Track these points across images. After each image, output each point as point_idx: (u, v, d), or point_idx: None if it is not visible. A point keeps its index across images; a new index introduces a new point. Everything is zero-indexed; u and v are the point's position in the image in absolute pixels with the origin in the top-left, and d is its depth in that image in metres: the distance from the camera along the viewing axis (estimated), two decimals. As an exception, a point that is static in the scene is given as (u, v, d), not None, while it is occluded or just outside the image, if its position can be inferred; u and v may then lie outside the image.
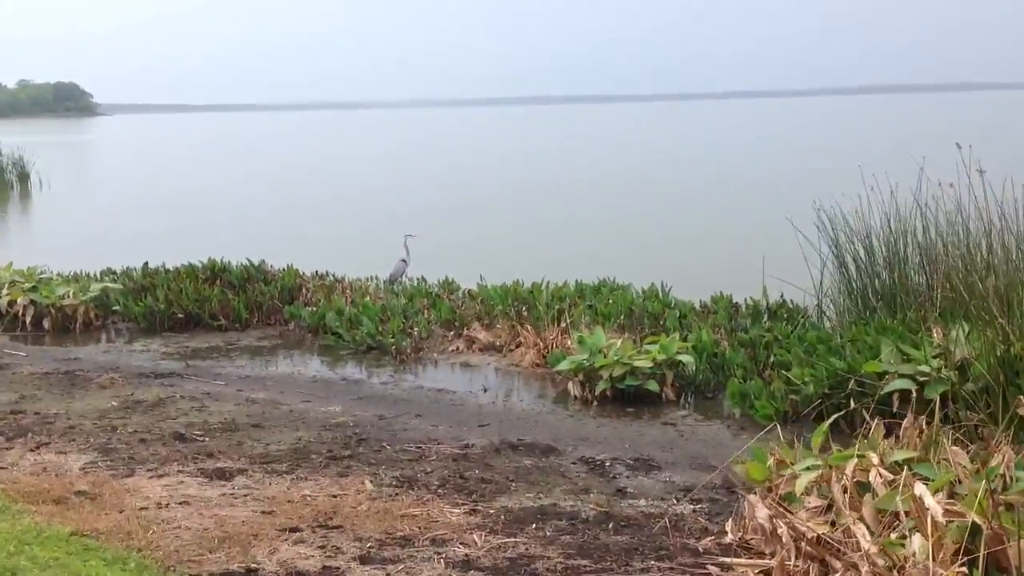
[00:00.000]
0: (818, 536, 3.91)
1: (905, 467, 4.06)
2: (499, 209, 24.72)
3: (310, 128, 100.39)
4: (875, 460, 4.12)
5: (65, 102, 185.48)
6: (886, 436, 4.84)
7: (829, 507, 4.14)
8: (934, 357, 6.47)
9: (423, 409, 7.68)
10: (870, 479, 4.06)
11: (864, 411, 6.19)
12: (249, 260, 11.98)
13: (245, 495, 5.54)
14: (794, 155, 40.26)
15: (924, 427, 4.68)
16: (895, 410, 6.26)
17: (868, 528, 3.74)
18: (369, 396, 8.15)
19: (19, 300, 10.98)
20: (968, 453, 4.31)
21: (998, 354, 5.81)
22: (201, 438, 6.77)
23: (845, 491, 4.05)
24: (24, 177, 31.90)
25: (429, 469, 6.04)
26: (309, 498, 5.49)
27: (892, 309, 8.24)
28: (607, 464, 6.16)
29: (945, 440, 4.34)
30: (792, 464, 4.45)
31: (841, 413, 5.62)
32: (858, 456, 4.21)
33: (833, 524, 4.03)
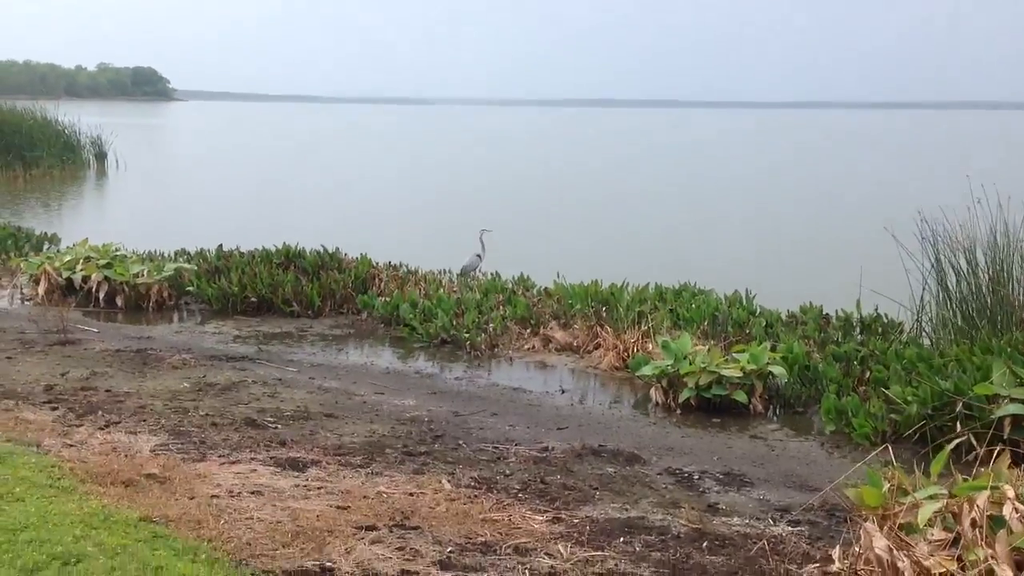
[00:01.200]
0: (946, 573, 3.56)
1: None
2: (576, 210, 24.39)
3: (376, 122, 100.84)
4: (1010, 493, 3.75)
5: (143, 86, 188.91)
6: (1011, 465, 4.45)
7: (955, 541, 3.79)
8: (1051, 382, 6.05)
9: (499, 407, 7.42)
10: (1004, 513, 3.70)
11: (973, 437, 5.77)
12: (324, 247, 11.83)
13: (319, 488, 5.31)
14: (886, 166, 39.36)
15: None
16: (1006, 435, 5.87)
17: (1012, 568, 3.39)
18: (443, 391, 7.91)
19: (93, 276, 10.95)
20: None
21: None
22: (273, 425, 6.59)
23: (975, 525, 3.70)
24: (101, 156, 32.33)
25: (508, 471, 5.78)
26: (385, 495, 5.24)
27: (996, 328, 7.80)
28: (696, 477, 5.84)
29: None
30: (912, 491, 4.09)
31: (958, 438, 5.23)
32: (989, 487, 3.83)
33: (960, 560, 3.68)
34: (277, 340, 9.62)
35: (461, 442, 6.37)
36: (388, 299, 10.42)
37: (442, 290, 10.71)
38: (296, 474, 5.56)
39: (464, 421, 6.95)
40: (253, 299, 10.74)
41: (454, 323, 9.53)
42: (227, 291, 10.77)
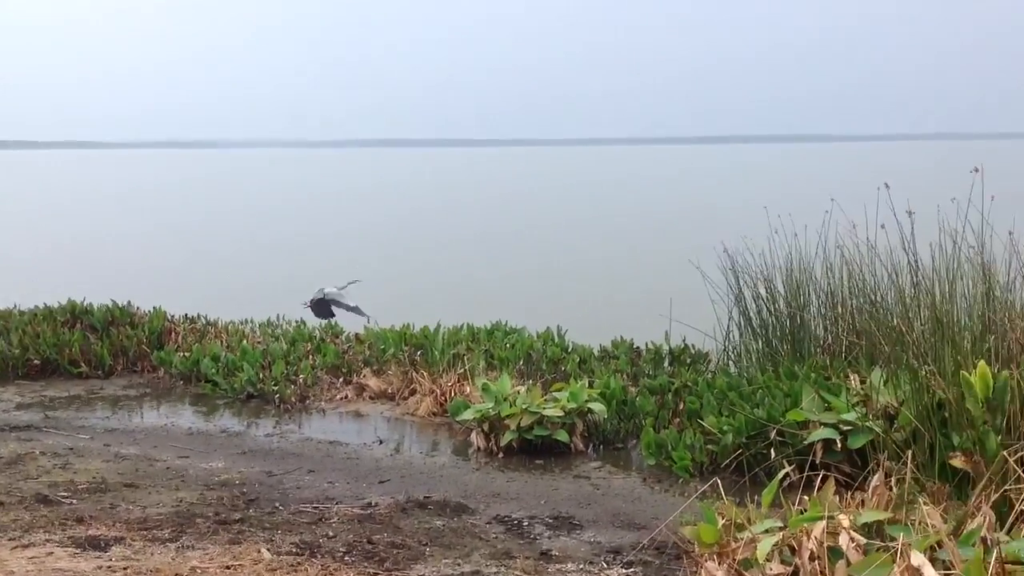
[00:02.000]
0: (790, 608, 3.56)
1: (880, 529, 3.76)
2: (378, 253, 24.13)
3: (157, 168, 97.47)
4: (845, 523, 3.79)
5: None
6: (806, 490, 4.55)
7: (794, 574, 3.80)
8: (854, 405, 6.28)
9: (315, 464, 7.08)
10: (840, 543, 3.73)
11: (787, 463, 5.91)
12: (113, 301, 11.12)
13: (125, 568, 4.86)
14: (696, 200, 40.96)
15: (893, 485, 4.40)
16: (819, 460, 6.03)
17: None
18: (254, 450, 7.49)
19: None
20: (939, 511, 4.04)
21: (925, 402, 5.61)
22: (68, 500, 6.04)
23: (813, 558, 3.72)
24: None
25: (331, 533, 5.48)
26: (199, 570, 4.85)
27: (798, 353, 8.10)
28: (525, 523, 5.71)
29: (921, 500, 4.06)
30: (749, 525, 4.09)
31: (773, 466, 5.32)
32: (825, 517, 3.87)
33: (800, 594, 3.69)
34: (65, 405, 8.92)
35: (278, 505, 6.02)
36: (187, 354, 9.87)
37: (246, 341, 10.24)
38: (98, 554, 5.08)
39: (279, 481, 6.59)
40: (36, 361, 9.94)
41: (261, 376, 9.11)
42: (6, 354, 9.94)
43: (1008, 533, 3.99)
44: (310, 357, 9.63)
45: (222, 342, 10.28)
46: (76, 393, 9.34)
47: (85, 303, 10.97)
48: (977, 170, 6.21)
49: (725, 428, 6.56)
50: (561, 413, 7.18)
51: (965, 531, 3.71)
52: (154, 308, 11.09)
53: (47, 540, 5.28)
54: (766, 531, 4.00)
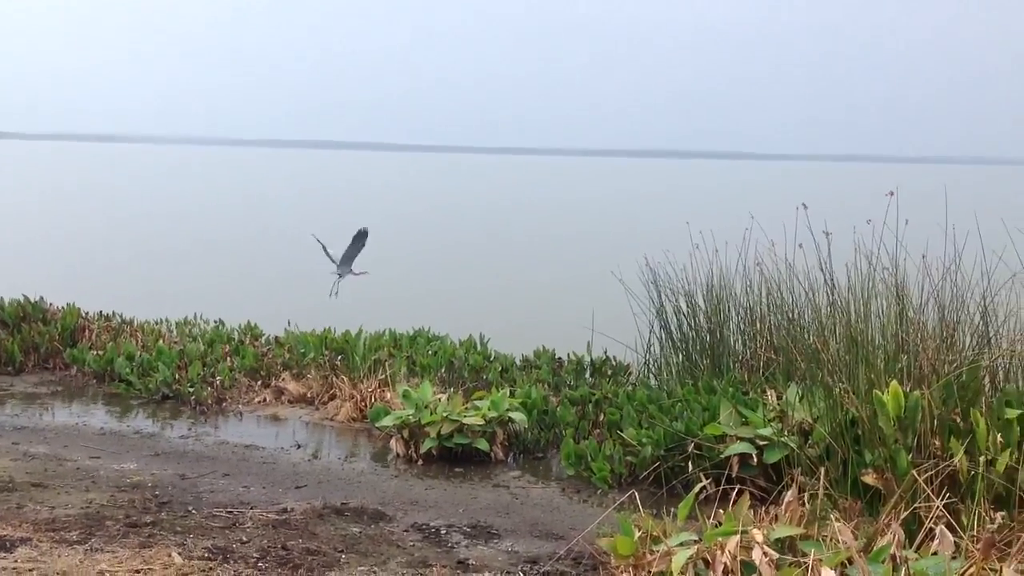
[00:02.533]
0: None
1: (792, 544, 3.82)
2: (302, 253, 23.85)
3: (64, 161, 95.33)
4: (758, 537, 3.85)
5: None
6: (722, 503, 4.62)
7: (708, 587, 3.84)
8: (770, 420, 6.38)
9: (231, 467, 6.97)
10: (753, 558, 3.78)
11: (704, 476, 5.99)
12: (25, 296, 10.82)
13: (31, 570, 4.73)
14: (625, 214, 41.24)
15: (806, 500, 4.47)
16: (735, 474, 6.12)
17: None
18: (168, 452, 7.35)
19: None
20: (850, 527, 4.12)
21: (839, 419, 5.73)
22: (-29, 500, 5.85)
23: (727, 572, 3.76)
24: None
25: (245, 538, 5.39)
26: (108, 574, 4.74)
27: (716, 368, 8.21)
28: (443, 532, 5.68)
29: (833, 516, 4.13)
30: (665, 538, 4.13)
31: (691, 479, 5.38)
32: (739, 532, 3.92)
33: (713, 606, 3.74)
34: (-28, 402, 8.65)
35: (191, 508, 5.91)
36: (101, 352, 9.65)
37: (162, 341, 10.04)
38: (3, 555, 4.92)
39: (193, 484, 6.47)
40: (-57, 356, 9.65)
41: (176, 377, 8.95)
42: (-89, 348, 9.62)
43: (917, 550, 4.09)
44: (228, 359, 9.49)
45: (137, 341, 10.08)
46: (-17, 389, 9.07)
47: (-5, 297, 10.66)
48: (892, 194, 6.37)
49: (644, 440, 6.62)
50: (482, 422, 7.18)
51: (875, 548, 3.79)
52: (67, 304, 10.82)
53: (-51, 541, 5.11)
54: (681, 544, 4.05)
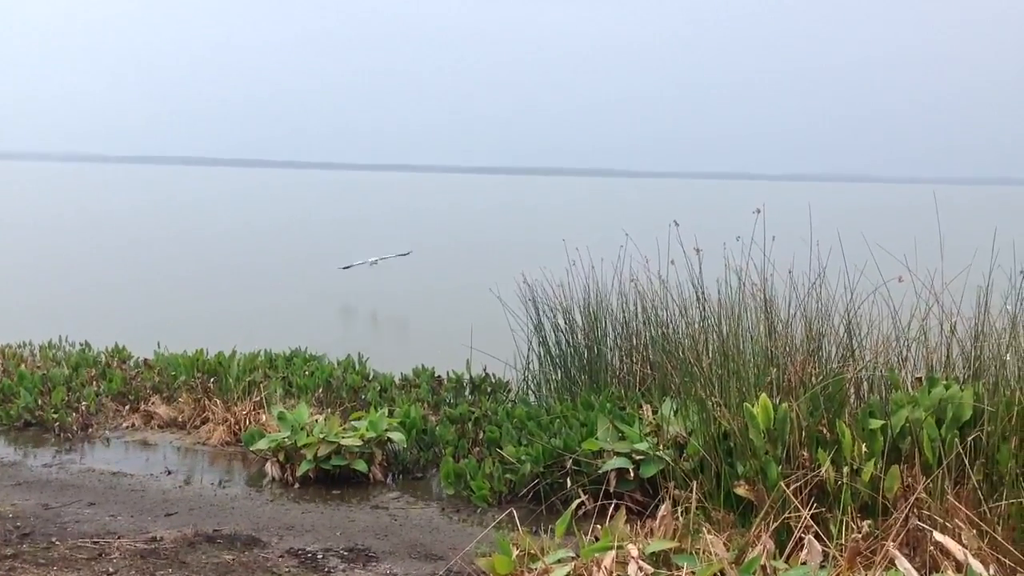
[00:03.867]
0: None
1: (667, 558, 3.86)
2: (169, 271, 23.26)
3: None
4: (634, 552, 3.89)
5: None
6: (600, 518, 4.66)
7: (586, 603, 3.86)
8: (646, 435, 6.47)
9: (97, 496, 6.71)
10: (630, 573, 3.82)
11: (583, 492, 6.04)
12: None
13: None
14: (503, 231, 41.32)
15: (680, 515, 4.53)
16: (612, 489, 6.18)
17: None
18: (30, 481, 7.03)
19: None
20: (722, 540, 4.19)
21: (712, 432, 5.84)
22: None
23: (605, 586, 3.79)
24: None
25: (112, 569, 5.19)
26: (-38, 614, 4.51)
27: (595, 383, 8.29)
28: (319, 556, 5.58)
29: (706, 528, 4.20)
30: (542, 555, 4.13)
31: (569, 495, 5.41)
32: (615, 547, 3.95)
33: (592, 622, 3.75)
34: None
35: (54, 539, 5.66)
36: (-43, 378, 9.19)
37: (23, 366, 9.63)
38: None
39: (57, 514, 6.21)
40: None
41: (39, 402, 8.59)
42: None
43: (787, 560, 4.19)
44: (94, 383, 9.16)
45: (-3, 366, 9.64)
46: None
47: None
48: (759, 211, 6.55)
49: (523, 457, 6.63)
50: (360, 442, 7.08)
51: (746, 559, 3.87)
52: (-79, 328, 10.30)
53: None
54: (558, 561, 4.06)
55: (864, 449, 5.06)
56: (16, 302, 17.35)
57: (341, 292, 19.87)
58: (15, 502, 6.43)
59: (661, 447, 6.24)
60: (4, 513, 6.16)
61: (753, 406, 5.31)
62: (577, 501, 4.97)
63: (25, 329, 11.26)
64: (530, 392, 8.85)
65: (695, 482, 5.31)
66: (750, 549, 4.03)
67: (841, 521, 4.61)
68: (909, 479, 4.93)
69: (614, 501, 5.38)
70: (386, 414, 7.52)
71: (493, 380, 9.11)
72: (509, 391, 8.98)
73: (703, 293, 7.09)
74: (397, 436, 7.26)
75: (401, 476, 7.33)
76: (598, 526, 4.70)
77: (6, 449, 7.95)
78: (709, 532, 4.18)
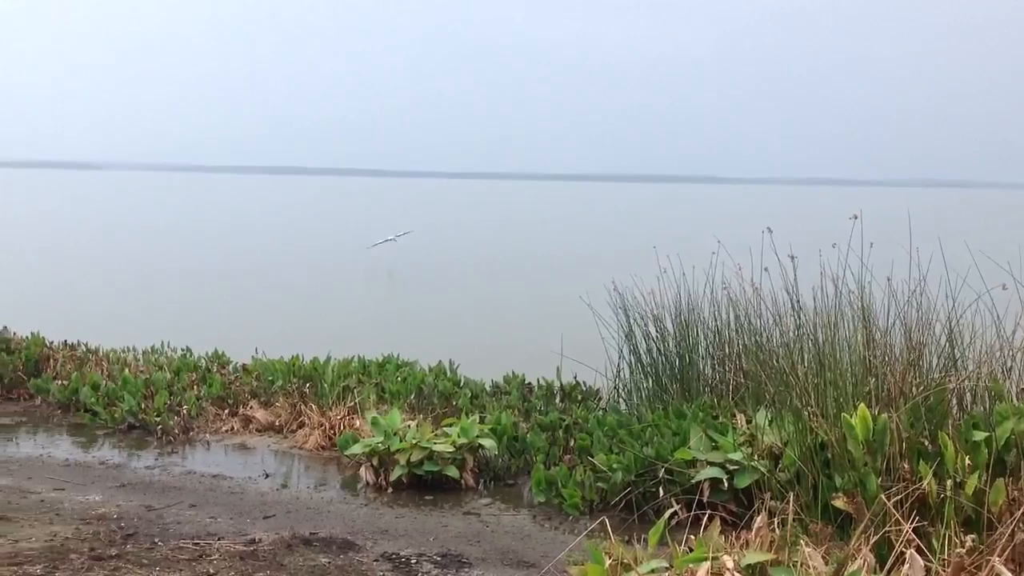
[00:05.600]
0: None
1: (763, 570, 3.82)
2: (266, 280, 23.76)
3: (39, 189, 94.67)
4: (729, 564, 3.85)
5: None
6: (693, 529, 4.61)
7: (680, 614, 3.83)
8: (740, 445, 6.39)
9: (198, 498, 6.88)
10: (725, 584, 3.78)
11: (676, 502, 5.99)
12: (-12, 326, 10.69)
13: (-9, 608, 4.65)
14: (594, 238, 41.36)
15: (777, 526, 4.47)
16: (706, 499, 6.12)
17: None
18: (133, 483, 7.25)
19: None
20: (820, 553, 4.12)
21: (808, 443, 5.75)
22: (-69, 535, 5.74)
23: (699, 598, 3.75)
24: None
25: (212, 570, 5.32)
26: (71, 610, 4.66)
27: (686, 392, 8.21)
28: (413, 561, 5.63)
29: (803, 541, 4.13)
30: (636, 565, 4.11)
31: (662, 504, 5.38)
32: (710, 558, 3.92)
33: (685, 634, 3.72)
34: (-67, 433, 8.52)
35: (157, 540, 5.83)
36: (65, 382, 9.53)
37: (127, 370, 9.93)
38: (-38, 593, 4.84)
39: (159, 516, 6.39)
40: (-98, 387, 9.49)
41: (143, 406, 8.85)
42: None
43: (888, 575, 4.10)
44: (195, 387, 9.40)
45: (103, 370, 9.97)
46: (-55, 421, 8.93)
47: (-43, 327, 10.52)
48: (856, 217, 6.43)
49: (615, 466, 6.61)
50: (452, 448, 7.14)
51: (846, 573, 3.79)
52: (32, 334, 10.70)
53: (-93, 577, 5.01)
54: (652, 571, 4.04)
55: (967, 462, 4.92)
56: (122, 308, 17.91)
57: (433, 298, 20.08)
58: (119, 503, 6.63)
59: (756, 457, 6.16)
60: (109, 514, 6.35)
61: (851, 416, 5.21)
62: (670, 511, 4.93)
63: (129, 334, 11.61)
64: (621, 400, 8.81)
65: (791, 493, 5.22)
66: (850, 563, 3.95)
67: (944, 535, 4.49)
68: (1015, 492, 4.77)
69: (707, 511, 5.31)
70: (477, 420, 7.56)
71: (584, 388, 9.10)
72: (600, 399, 8.96)
73: (798, 301, 6.97)
74: (488, 442, 7.30)
75: (492, 482, 7.37)
76: (691, 536, 4.65)
77: (111, 451, 8.20)
78: (807, 545, 4.11)
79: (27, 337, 10.66)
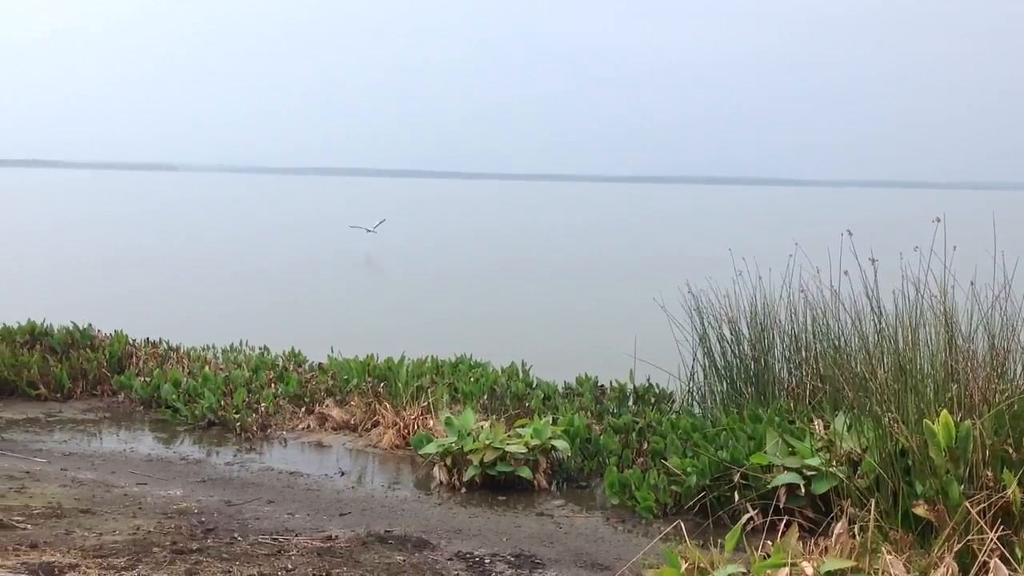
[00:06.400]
0: (753, 654, 3.55)
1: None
2: (342, 281, 24.05)
3: (118, 188, 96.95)
4: (808, 570, 3.81)
5: None
6: (769, 534, 4.56)
7: (757, 620, 3.80)
8: (818, 450, 6.30)
9: (275, 494, 7.00)
10: (803, 591, 3.74)
11: (751, 507, 5.93)
12: (74, 323, 10.98)
13: (78, 598, 4.78)
14: (666, 240, 41.19)
15: (856, 532, 4.41)
16: (782, 505, 6.05)
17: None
18: (213, 478, 7.40)
19: None
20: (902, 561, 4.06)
21: (888, 449, 5.65)
22: (22, 525, 5.91)
23: (777, 604, 3.72)
24: None
25: (291, 566, 5.40)
26: (155, 602, 4.78)
27: (762, 396, 8.13)
28: (487, 561, 5.66)
29: (884, 548, 4.07)
30: (712, 569, 4.09)
31: (737, 509, 5.33)
32: (788, 564, 3.88)
33: (763, 639, 3.69)
34: (22, 427, 8.78)
35: (236, 535, 5.94)
36: (147, 379, 9.76)
37: (207, 368, 10.14)
38: (51, 583, 4.98)
39: (238, 511, 6.51)
40: (-7, 382, 9.80)
41: (222, 403, 9.02)
42: (-37, 374, 9.78)
43: (970, 584, 4.02)
44: (272, 385, 9.56)
45: (183, 368, 10.18)
46: (34, 415, 9.20)
47: (45, 324, 10.83)
48: (939, 220, 6.30)
49: (689, 469, 6.57)
50: (524, 449, 7.16)
51: (928, 581, 3.73)
52: (115, 331, 10.97)
53: (0, 566, 5.17)
54: (729, 576, 4.01)
55: (1054, 471, 4.80)
56: (201, 307, 18.27)
57: (505, 296, 20.15)
58: (200, 498, 6.77)
59: (834, 463, 6.08)
60: (190, 509, 6.49)
61: (933, 423, 5.11)
62: (747, 515, 4.89)
63: (208, 333, 11.83)
64: (694, 403, 8.76)
65: (872, 500, 5.14)
66: (932, 571, 3.89)
67: (1029, 545, 4.39)
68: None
69: (784, 517, 5.26)
70: (550, 422, 7.57)
71: (657, 390, 9.05)
72: (673, 402, 8.91)
73: (878, 305, 6.86)
74: (561, 444, 7.30)
75: (565, 484, 7.37)
76: (768, 542, 4.62)
77: (191, 447, 8.38)
78: (888, 552, 4.04)
79: (111, 335, 10.92)
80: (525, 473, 7.13)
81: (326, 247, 34.26)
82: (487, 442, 7.19)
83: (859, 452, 5.99)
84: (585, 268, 26.22)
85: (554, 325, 17.16)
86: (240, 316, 16.79)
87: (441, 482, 7.29)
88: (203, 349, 11.13)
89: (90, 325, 11.05)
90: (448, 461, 7.30)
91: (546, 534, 6.26)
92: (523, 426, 7.53)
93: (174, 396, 9.28)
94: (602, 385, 9.33)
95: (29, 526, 5.91)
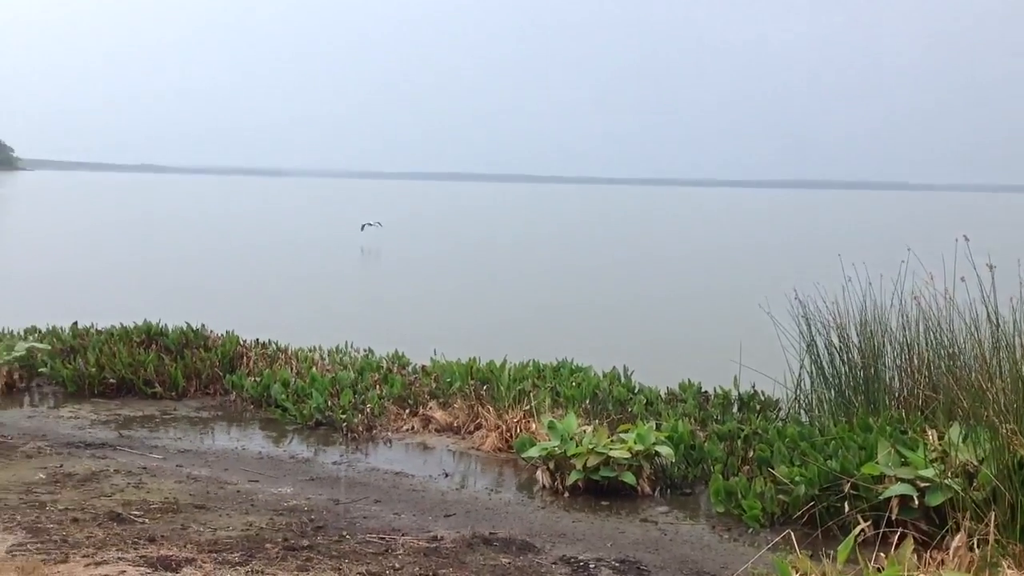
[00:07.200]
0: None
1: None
2: (449, 285, 24.30)
3: (231, 193, 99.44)
4: (925, 583, 3.72)
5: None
6: (881, 546, 4.44)
7: (872, 633, 3.72)
8: (932, 461, 6.14)
9: (381, 494, 7.11)
10: (920, 604, 3.65)
11: (862, 518, 5.81)
12: (188, 324, 11.32)
13: (196, 591, 4.93)
14: (770, 245, 40.69)
15: (975, 545, 4.29)
16: (894, 516, 5.91)
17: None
18: (321, 477, 7.55)
19: (-66, 357, 10.18)
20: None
21: (1006, 461, 5.48)
22: (140, 519, 6.13)
23: (892, 617, 3.64)
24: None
25: (398, 565, 5.49)
26: (268, 597, 4.90)
27: (872, 405, 7.95)
28: (592, 566, 5.66)
29: (1005, 563, 3.96)
30: (823, 581, 4.02)
31: (848, 521, 5.21)
32: (904, 576, 3.79)
33: (877, 653, 3.61)
34: (139, 424, 9.09)
35: (345, 533, 6.05)
36: (258, 379, 10.01)
37: (315, 369, 10.34)
38: (169, 575, 5.15)
39: (346, 510, 6.63)
40: (112, 380, 10.16)
41: (329, 403, 9.20)
42: (83, 372, 10.17)
43: (1096, 601, 3.87)
44: (377, 387, 9.70)
45: (292, 368, 10.39)
46: (150, 413, 9.51)
47: (160, 325, 11.19)
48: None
49: (797, 478, 6.46)
50: (628, 455, 7.13)
51: (1052, 598, 3.60)
52: (227, 332, 11.27)
53: (119, 558, 5.37)
54: (843, 587, 3.93)
55: None
56: (309, 311, 18.65)
57: (606, 300, 20.11)
58: (309, 496, 6.92)
59: (948, 475, 5.91)
60: (300, 506, 6.63)
61: (1055, 435, 4.94)
62: (859, 527, 4.78)
63: (315, 334, 12.08)
64: (801, 411, 8.60)
65: (991, 513, 4.99)
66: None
67: None
68: None
69: (896, 529, 5.14)
70: (653, 427, 7.53)
71: (762, 397, 8.94)
72: (779, 410, 8.78)
73: (996, 312, 6.65)
74: (665, 450, 7.25)
75: (668, 491, 7.31)
76: (882, 554, 4.52)
77: (300, 446, 8.56)
78: (1009, 567, 3.92)
79: (223, 335, 11.23)
80: (629, 478, 7.11)
81: (423, 250, 34.63)
82: (590, 447, 7.18)
83: (975, 464, 5.82)
84: (684, 273, 26.03)
85: (656, 331, 17.05)
86: (346, 318, 17.10)
87: (544, 486, 7.31)
88: (310, 350, 11.35)
89: (203, 326, 11.37)
90: (551, 465, 7.31)
91: (650, 540, 6.22)
92: (626, 431, 7.50)
93: (283, 396, 9.49)
94: (706, 391, 9.25)
95: (147, 520, 6.12)
